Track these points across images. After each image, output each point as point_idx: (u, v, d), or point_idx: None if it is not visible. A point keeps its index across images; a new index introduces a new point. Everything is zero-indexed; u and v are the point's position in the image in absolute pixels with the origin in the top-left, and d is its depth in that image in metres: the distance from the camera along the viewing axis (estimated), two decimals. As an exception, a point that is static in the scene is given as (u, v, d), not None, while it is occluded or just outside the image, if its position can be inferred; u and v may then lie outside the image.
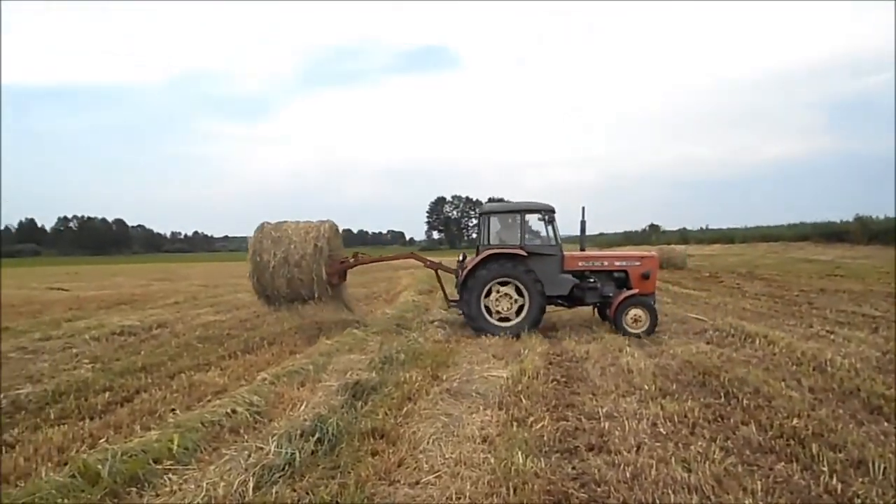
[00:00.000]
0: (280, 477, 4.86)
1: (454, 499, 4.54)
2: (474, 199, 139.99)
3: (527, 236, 12.10)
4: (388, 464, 5.18)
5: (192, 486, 4.71)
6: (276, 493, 4.61)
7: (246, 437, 5.94)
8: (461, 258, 12.96)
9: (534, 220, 12.21)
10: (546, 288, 11.71)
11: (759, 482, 4.68)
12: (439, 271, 13.16)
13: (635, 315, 11.51)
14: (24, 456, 5.58)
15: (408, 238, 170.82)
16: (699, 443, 5.55)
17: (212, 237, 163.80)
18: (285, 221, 12.57)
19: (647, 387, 7.45)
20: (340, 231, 13.22)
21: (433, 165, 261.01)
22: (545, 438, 5.68)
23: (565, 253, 12.22)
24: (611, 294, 12.19)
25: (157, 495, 4.66)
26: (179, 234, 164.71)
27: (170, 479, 4.92)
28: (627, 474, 4.82)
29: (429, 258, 13.42)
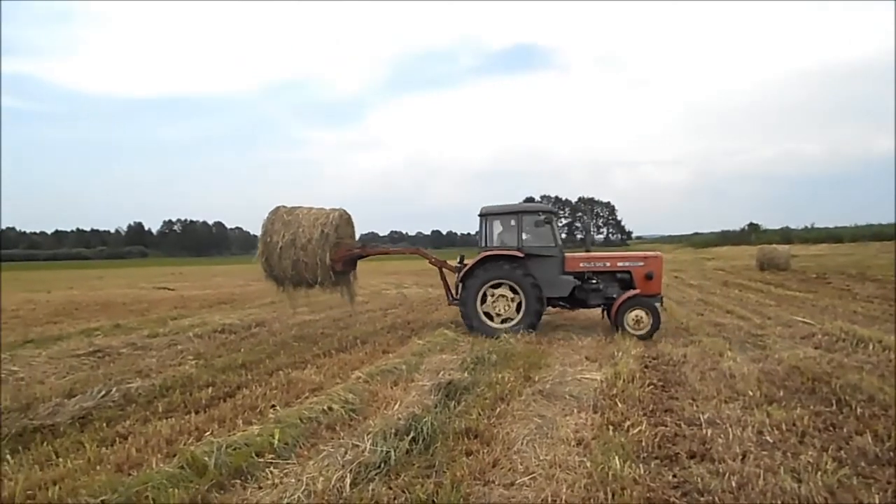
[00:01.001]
0: (376, 474, 4.91)
1: (550, 502, 4.47)
2: (563, 199, 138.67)
3: (527, 238, 12.06)
4: (483, 464, 5.15)
5: (293, 480, 4.84)
6: (373, 490, 4.66)
7: (342, 434, 6.06)
8: (460, 259, 12.86)
9: (534, 222, 12.10)
10: (546, 290, 11.67)
11: (876, 496, 4.39)
12: (444, 269, 13.06)
13: (636, 316, 11.38)
14: (136, 447, 5.86)
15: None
16: (809, 452, 5.26)
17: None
18: (300, 206, 12.81)
19: (751, 393, 7.12)
20: (351, 220, 13.19)
21: (522, 165, 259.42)
22: (643, 444, 5.52)
23: (567, 254, 12.20)
24: (615, 295, 12.00)
25: (260, 488, 4.81)
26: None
27: (271, 472, 5.08)
28: (733, 484, 4.60)
29: (433, 255, 13.32)
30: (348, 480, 4.72)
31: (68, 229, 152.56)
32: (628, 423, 6.05)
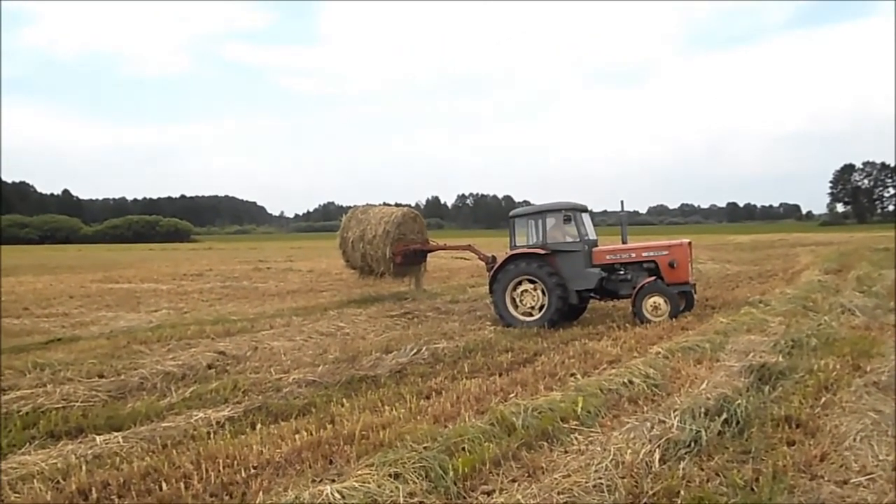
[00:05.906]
0: (686, 453, 4.72)
1: (897, 509, 3.89)
2: (891, 166, 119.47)
3: (552, 235, 12.31)
4: (809, 456, 4.67)
5: (599, 449, 4.84)
6: (684, 469, 4.46)
7: (645, 408, 5.93)
8: (491, 258, 13.64)
9: (558, 220, 12.31)
10: (572, 283, 11.81)
11: None
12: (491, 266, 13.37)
13: (654, 303, 11.31)
14: (450, 402, 6.32)
15: (804, 212, 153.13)
16: None
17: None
18: (373, 206, 15.66)
19: None
20: (419, 217, 16.10)
21: (839, 127, 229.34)
22: None
23: (595, 248, 12.39)
24: None
25: (566, 452, 4.89)
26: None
27: (576, 438, 5.15)
28: None
29: (483, 252, 14.22)
30: (657, 456, 4.59)
31: (377, 203, 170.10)
32: None
